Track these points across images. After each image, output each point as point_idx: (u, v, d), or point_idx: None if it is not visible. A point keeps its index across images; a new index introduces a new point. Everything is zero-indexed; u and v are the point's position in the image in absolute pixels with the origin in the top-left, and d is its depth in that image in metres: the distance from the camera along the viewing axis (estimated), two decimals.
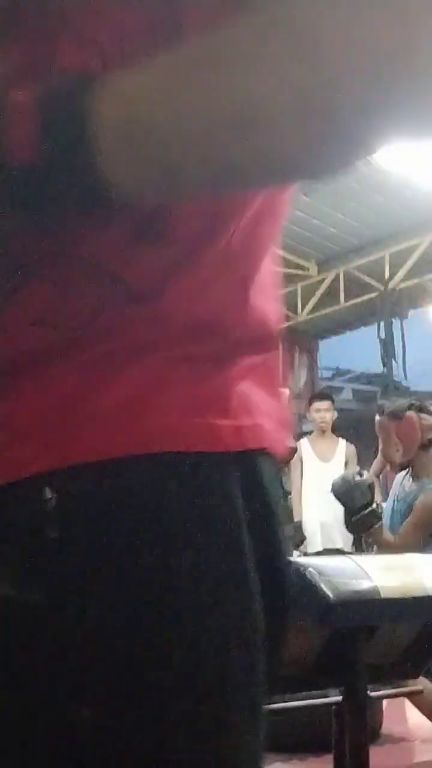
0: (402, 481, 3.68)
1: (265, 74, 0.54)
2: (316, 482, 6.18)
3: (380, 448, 3.74)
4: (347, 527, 3.53)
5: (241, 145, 0.55)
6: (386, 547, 3.32)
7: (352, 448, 6.37)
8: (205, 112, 0.55)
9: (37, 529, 0.66)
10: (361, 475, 3.46)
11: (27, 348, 0.66)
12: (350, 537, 5.83)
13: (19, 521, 0.67)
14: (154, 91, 0.57)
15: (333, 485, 3.40)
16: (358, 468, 4.29)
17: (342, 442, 6.44)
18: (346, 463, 6.25)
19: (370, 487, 3.37)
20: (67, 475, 0.65)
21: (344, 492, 3.34)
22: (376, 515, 3.31)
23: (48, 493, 0.66)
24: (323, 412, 6.43)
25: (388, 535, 3.37)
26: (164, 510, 0.65)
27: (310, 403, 6.70)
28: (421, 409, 3.60)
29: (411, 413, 3.57)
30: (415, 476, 3.59)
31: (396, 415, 3.58)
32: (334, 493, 3.40)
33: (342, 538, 5.81)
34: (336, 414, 6.56)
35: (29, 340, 0.66)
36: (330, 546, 5.95)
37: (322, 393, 7.55)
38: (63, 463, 0.66)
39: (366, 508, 3.27)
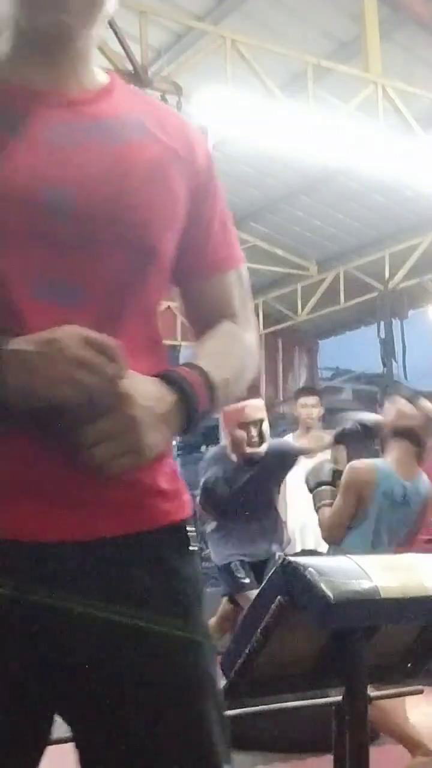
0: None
1: (244, 362, 1.23)
2: (299, 480, 6.08)
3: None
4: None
5: (243, 383, 1.22)
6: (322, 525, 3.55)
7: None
8: (238, 376, 1.19)
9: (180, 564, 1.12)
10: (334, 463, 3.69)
11: None
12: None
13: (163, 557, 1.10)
14: (226, 373, 1.15)
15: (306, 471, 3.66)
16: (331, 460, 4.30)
17: (328, 438, 6.30)
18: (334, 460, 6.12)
19: (334, 472, 3.55)
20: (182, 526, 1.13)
21: (309, 473, 3.61)
22: (326, 492, 3.51)
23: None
24: (310, 408, 6.17)
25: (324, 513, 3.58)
26: None
27: (296, 398, 6.42)
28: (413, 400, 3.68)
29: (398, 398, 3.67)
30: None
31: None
32: (305, 477, 3.67)
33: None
34: (323, 410, 6.30)
35: None
36: (311, 547, 5.83)
37: (309, 388, 7.31)
38: (181, 518, 1.13)
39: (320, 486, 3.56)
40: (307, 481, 3.75)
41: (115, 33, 5.27)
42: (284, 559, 2.02)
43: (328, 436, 6.21)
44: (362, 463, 3.63)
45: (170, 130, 1.16)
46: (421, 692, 2.96)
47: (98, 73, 1.17)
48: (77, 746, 1.09)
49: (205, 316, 1.23)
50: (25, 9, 1.07)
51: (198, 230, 1.18)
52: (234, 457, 4.70)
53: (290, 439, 6.29)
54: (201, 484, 4.80)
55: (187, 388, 1.06)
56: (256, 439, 4.70)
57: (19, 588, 1.00)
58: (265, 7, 6.32)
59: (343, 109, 6.20)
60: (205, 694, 1.09)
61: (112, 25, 5.22)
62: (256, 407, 4.74)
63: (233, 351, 1.19)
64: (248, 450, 4.61)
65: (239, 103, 5.65)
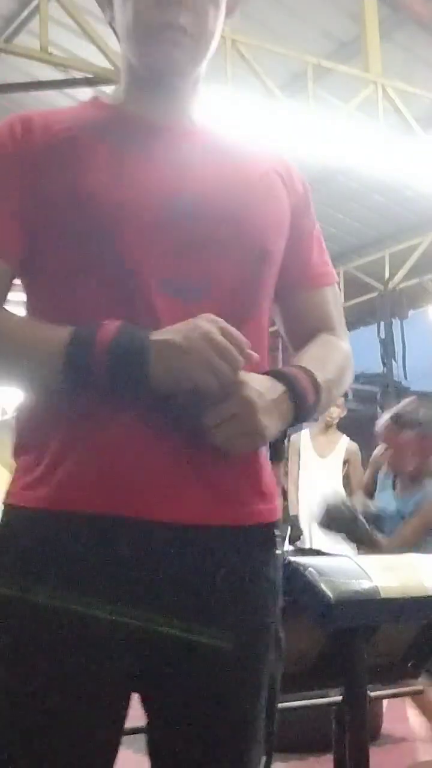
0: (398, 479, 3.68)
1: (344, 367, 1.30)
2: (311, 478, 6.09)
3: (388, 454, 3.71)
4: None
5: (343, 386, 1.30)
6: (381, 549, 3.33)
7: (355, 446, 6.14)
8: (339, 379, 1.27)
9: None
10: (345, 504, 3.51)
11: None
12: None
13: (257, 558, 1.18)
14: (329, 375, 1.23)
15: (318, 519, 3.47)
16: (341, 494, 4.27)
17: (344, 439, 6.22)
18: (345, 462, 6.13)
19: (356, 520, 3.42)
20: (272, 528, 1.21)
21: (328, 524, 3.42)
22: (367, 532, 3.35)
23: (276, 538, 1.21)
24: (334, 407, 6.07)
25: (381, 540, 3.39)
26: None
27: None
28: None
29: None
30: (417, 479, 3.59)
31: (409, 425, 3.55)
32: (319, 525, 3.48)
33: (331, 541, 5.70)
34: (345, 411, 6.34)
35: None
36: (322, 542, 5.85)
37: None
38: (273, 520, 1.21)
39: (356, 528, 3.34)
40: (333, 531, 3.59)
41: (116, 33, 5.27)
42: (284, 559, 2.02)
43: (343, 438, 6.25)
44: None
45: (270, 154, 1.32)
46: (421, 692, 2.97)
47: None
48: (150, 731, 1.16)
49: (305, 329, 1.32)
50: (143, 47, 1.20)
51: (300, 245, 1.29)
52: None
53: (307, 435, 6.30)
54: None
55: (294, 381, 1.16)
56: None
57: (116, 562, 1.07)
58: (265, 7, 6.32)
59: (343, 109, 6.20)
60: (273, 696, 1.19)
61: (112, 24, 5.22)
62: None
63: (334, 357, 1.28)
64: None
65: (239, 103, 5.65)
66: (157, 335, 1.07)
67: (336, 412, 6.22)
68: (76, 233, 1.13)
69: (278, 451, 1.19)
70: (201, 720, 1.13)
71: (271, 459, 1.20)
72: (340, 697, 2.10)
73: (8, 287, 1.18)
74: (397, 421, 3.58)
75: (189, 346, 1.05)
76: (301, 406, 1.15)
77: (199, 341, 1.05)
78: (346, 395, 6.72)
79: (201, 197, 1.17)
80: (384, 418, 3.67)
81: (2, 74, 6.37)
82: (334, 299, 1.35)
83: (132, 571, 1.08)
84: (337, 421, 6.26)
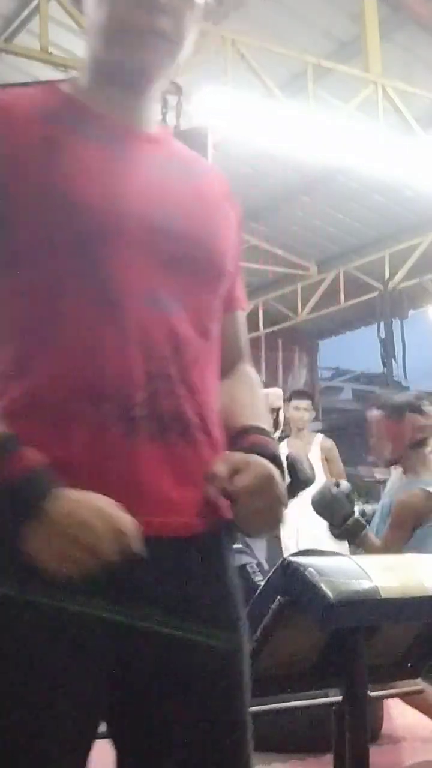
0: (395, 478, 3.68)
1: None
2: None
3: (371, 441, 3.72)
4: (334, 535, 3.53)
5: None
6: (373, 551, 3.31)
7: (329, 442, 6.22)
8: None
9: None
10: (338, 485, 3.43)
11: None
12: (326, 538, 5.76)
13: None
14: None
15: (312, 501, 3.40)
16: (333, 479, 4.27)
17: (318, 437, 6.32)
18: (324, 459, 6.14)
19: (348, 496, 3.36)
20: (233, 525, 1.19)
21: (323, 507, 3.35)
22: (360, 524, 3.30)
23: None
24: (302, 411, 6.28)
25: (374, 539, 3.36)
26: None
27: (288, 401, 6.43)
28: (418, 410, 3.58)
29: (411, 416, 3.55)
30: (405, 473, 3.58)
31: (393, 415, 3.56)
32: (314, 508, 3.40)
33: (320, 541, 5.70)
34: (314, 414, 6.43)
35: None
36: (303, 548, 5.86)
37: (302, 391, 7.39)
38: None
39: (348, 519, 3.28)
40: (325, 518, 3.56)
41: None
42: (284, 559, 2.02)
43: (316, 437, 6.30)
44: (414, 494, 3.51)
45: (217, 176, 1.32)
46: (421, 692, 2.97)
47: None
48: (116, 740, 1.15)
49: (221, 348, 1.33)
50: (117, 47, 1.16)
51: (233, 267, 1.30)
52: None
53: (285, 444, 6.35)
54: None
55: (278, 460, 1.20)
56: (273, 424, 4.96)
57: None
58: (265, 7, 6.32)
59: (343, 109, 6.20)
60: (245, 700, 1.21)
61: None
62: (277, 395, 5.03)
63: (260, 398, 1.35)
64: None
65: (239, 103, 5.65)
66: (56, 505, 1.02)
67: (306, 417, 6.31)
68: (58, 239, 1.10)
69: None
70: (172, 730, 1.12)
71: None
72: (340, 697, 2.10)
73: None
74: (378, 406, 3.61)
75: (52, 535, 1.01)
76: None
77: (63, 530, 1.01)
78: (313, 398, 6.78)
79: (181, 214, 1.18)
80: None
81: (2, 74, 6.36)
82: (244, 323, 1.38)
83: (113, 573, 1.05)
84: (307, 424, 6.33)
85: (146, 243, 1.13)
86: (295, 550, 5.86)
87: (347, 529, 3.27)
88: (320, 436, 6.32)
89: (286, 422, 6.49)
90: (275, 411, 5.04)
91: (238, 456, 1.15)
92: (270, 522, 1.17)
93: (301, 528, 6.01)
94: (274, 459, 1.18)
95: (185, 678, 1.12)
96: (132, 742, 1.15)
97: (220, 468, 1.12)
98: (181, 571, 1.12)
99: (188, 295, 1.17)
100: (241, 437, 1.21)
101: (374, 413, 3.64)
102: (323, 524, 3.74)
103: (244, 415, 1.25)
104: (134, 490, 1.09)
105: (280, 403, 5.04)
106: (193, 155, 1.32)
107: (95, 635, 1.07)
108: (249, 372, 1.35)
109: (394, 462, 3.61)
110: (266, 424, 1.27)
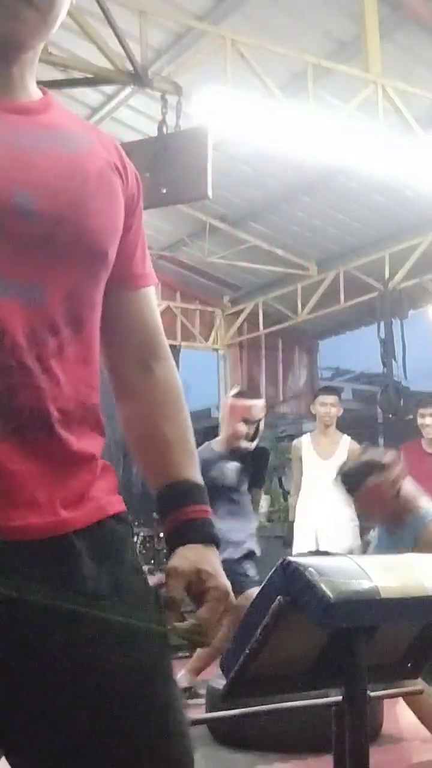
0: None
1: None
2: (314, 481, 6.05)
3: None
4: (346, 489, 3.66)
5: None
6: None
7: (356, 446, 6.08)
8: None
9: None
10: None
11: None
12: (345, 544, 5.76)
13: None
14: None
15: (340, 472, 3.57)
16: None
17: (345, 439, 6.22)
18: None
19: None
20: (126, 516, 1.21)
21: (345, 470, 3.49)
22: (375, 466, 3.41)
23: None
24: (329, 407, 6.21)
25: None
26: None
27: (315, 397, 6.54)
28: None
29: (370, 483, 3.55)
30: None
31: (357, 477, 3.60)
32: (338, 475, 3.57)
33: (337, 544, 5.70)
34: (342, 410, 6.36)
35: None
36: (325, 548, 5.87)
37: (330, 387, 7.38)
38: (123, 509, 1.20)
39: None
40: (342, 477, 3.65)
41: (115, 33, 5.27)
42: (284, 559, 2.02)
43: (344, 438, 6.26)
44: None
45: (107, 145, 1.23)
46: (421, 692, 2.97)
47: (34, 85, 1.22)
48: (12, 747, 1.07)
49: (124, 335, 1.27)
50: None
51: (128, 243, 1.23)
52: (220, 448, 5.05)
53: (308, 439, 6.34)
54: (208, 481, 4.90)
55: (218, 542, 1.23)
56: (251, 435, 5.10)
57: None
58: (265, 7, 6.32)
59: (343, 109, 6.19)
60: (170, 681, 1.15)
61: (111, 24, 5.22)
62: (260, 408, 5.19)
63: (186, 424, 1.30)
64: (243, 444, 5.02)
65: (239, 103, 5.65)
66: None
67: (333, 412, 6.23)
68: None
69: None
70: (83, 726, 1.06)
71: None
72: (340, 697, 2.10)
73: None
74: (346, 479, 3.64)
75: None
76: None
77: None
78: (340, 395, 6.73)
79: (42, 192, 1.09)
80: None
81: None
82: (154, 303, 1.31)
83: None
84: (335, 420, 6.26)
85: (2, 228, 1.05)
86: (310, 548, 5.92)
87: (355, 469, 3.41)
88: (348, 438, 6.23)
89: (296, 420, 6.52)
90: (257, 422, 5.12)
91: (188, 569, 1.15)
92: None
93: (320, 528, 6.03)
94: (213, 539, 1.21)
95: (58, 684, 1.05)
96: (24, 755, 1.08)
97: (176, 592, 1.13)
98: (50, 571, 1.05)
99: (52, 280, 1.09)
100: (175, 500, 1.22)
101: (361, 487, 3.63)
102: (340, 526, 3.82)
103: (173, 459, 1.25)
104: None
105: (261, 415, 5.16)
106: (81, 125, 1.25)
107: None
108: (168, 378, 1.30)
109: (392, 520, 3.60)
110: (195, 467, 1.26)
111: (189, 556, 1.17)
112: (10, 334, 1.04)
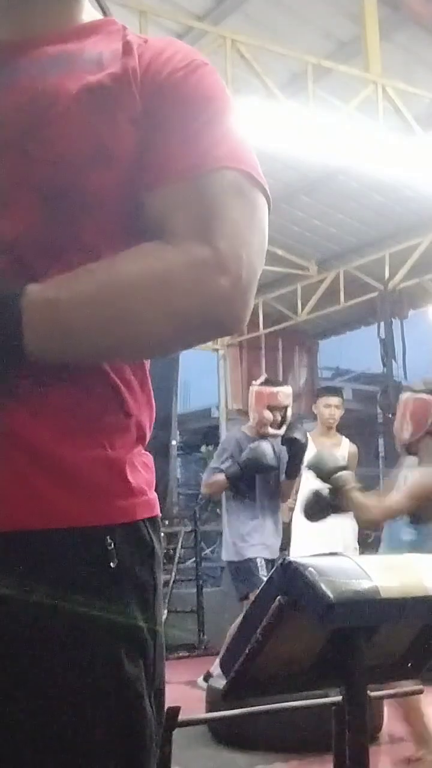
0: (407, 469, 3.71)
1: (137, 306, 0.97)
2: (310, 483, 6.04)
3: (395, 423, 3.84)
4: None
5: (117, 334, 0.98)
6: (363, 509, 3.44)
7: (355, 448, 6.14)
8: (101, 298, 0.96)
9: None
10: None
11: None
12: (344, 544, 5.75)
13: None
14: (77, 305, 0.95)
15: (307, 459, 3.66)
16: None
17: (345, 441, 6.20)
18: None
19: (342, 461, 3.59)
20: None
21: (316, 461, 3.57)
22: (346, 478, 3.48)
23: None
24: (333, 408, 6.18)
25: (361, 497, 3.48)
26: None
27: (317, 397, 6.52)
28: None
29: (427, 396, 3.64)
30: (421, 463, 3.62)
31: (416, 395, 3.69)
32: (307, 466, 3.65)
33: (336, 544, 5.69)
34: (342, 411, 6.32)
35: None
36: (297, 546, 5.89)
37: (333, 387, 7.35)
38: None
39: (336, 472, 3.51)
40: (315, 467, 3.72)
41: None
42: (284, 559, 2.02)
43: (344, 441, 6.26)
44: None
45: (124, 51, 1.04)
46: (421, 692, 2.97)
47: (88, 14, 1.12)
48: None
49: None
50: None
51: (152, 142, 1.02)
52: (251, 433, 5.15)
53: (308, 439, 6.31)
54: (225, 469, 5.04)
55: None
56: (278, 422, 5.16)
57: None
58: (265, 7, 6.32)
59: (343, 109, 6.20)
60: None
61: None
62: (286, 394, 5.26)
63: (109, 270, 0.97)
64: (270, 431, 5.09)
65: (239, 103, 5.64)
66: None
67: (338, 414, 6.22)
68: None
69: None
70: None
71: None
72: (340, 697, 2.10)
73: None
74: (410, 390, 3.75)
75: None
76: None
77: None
78: (342, 395, 6.72)
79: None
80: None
81: None
82: (202, 194, 1.01)
83: None
84: (337, 422, 6.25)
85: None
86: (307, 551, 5.96)
87: (335, 480, 3.49)
88: (347, 440, 6.21)
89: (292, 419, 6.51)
90: (284, 409, 5.15)
91: None
92: None
93: (320, 528, 6.01)
94: None
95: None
96: None
97: None
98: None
99: (8, 225, 0.98)
100: None
101: (406, 395, 3.74)
102: (343, 529, 3.87)
103: None
104: None
105: (287, 402, 5.21)
106: (99, 42, 1.06)
107: None
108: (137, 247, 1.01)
109: (410, 445, 3.66)
110: (59, 286, 0.98)
111: None
112: None
